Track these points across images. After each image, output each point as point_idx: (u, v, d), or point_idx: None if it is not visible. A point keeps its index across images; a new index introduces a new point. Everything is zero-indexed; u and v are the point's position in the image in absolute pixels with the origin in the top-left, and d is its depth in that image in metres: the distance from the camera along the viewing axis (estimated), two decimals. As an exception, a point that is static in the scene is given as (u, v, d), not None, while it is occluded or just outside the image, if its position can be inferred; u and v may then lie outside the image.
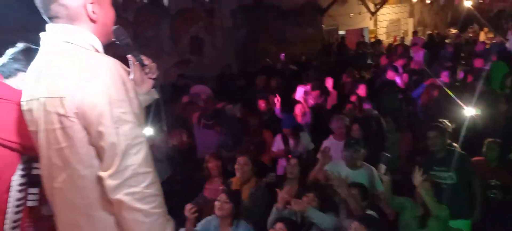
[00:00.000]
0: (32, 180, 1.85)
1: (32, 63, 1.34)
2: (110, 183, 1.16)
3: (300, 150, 4.25)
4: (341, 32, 12.77)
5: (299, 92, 5.95)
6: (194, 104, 5.58)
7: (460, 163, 3.21)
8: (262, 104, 5.32)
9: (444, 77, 6.23)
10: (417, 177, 2.74)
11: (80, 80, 1.16)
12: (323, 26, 11.70)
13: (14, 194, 1.79)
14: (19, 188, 1.79)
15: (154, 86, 1.53)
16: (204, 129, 4.85)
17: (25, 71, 1.71)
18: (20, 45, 1.80)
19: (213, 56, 9.21)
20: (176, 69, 7.88)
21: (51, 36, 1.28)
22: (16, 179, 1.78)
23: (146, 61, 1.46)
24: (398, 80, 6.37)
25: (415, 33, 12.87)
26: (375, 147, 3.87)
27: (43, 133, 1.25)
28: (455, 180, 3.18)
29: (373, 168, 3.26)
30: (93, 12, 1.26)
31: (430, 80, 5.83)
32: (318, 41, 11.06)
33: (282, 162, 4.28)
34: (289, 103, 5.34)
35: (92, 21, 1.27)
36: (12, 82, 1.75)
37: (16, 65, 1.73)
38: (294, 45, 10.21)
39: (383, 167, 2.85)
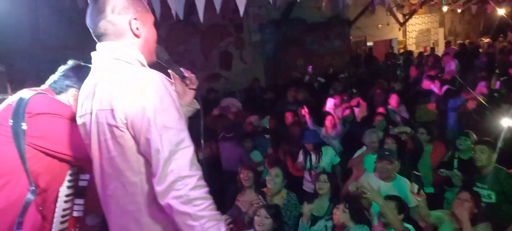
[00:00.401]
0: (78, 191, 1.96)
1: (86, 80, 1.43)
2: (158, 188, 1.22)
3: (323, 164, 4.21)
4: (369, 44, 12.66)
5: (329, 104, 5.95)
6: (224, 117, 5.68)
7: (504, 183, 3.07)
8: (289, 117, 5.35)
9: (482, 88, 6.05)
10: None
11: (128, 92, 1.25)
12: (351, 38, 11.65)
13: (61, 204, 1.89)
14: (66, 198, 1.89)
15: (195, 97, 1.61)
16: (224, 142, 4.96)
17: (75, 87, 1.83)
18: (70, 63, 1.92)
19: (242, 70, 9.35)
20: (206, 83, 8.05)
21: (101, 54, 1.37)
22: (63, 190, 1.88)
23: (186, 73, 1.55)
24: (435, 89, 6.24)
25: (448, 43, 12.60)
26: (409, 160, 3.80)
27: (96, 143, 1.34)
28: (494, 200, 3.07)
29: (407, 181, 3.20)
30: (137, 28, 1.36)
31: (467, 92, 5.67)
32: (346, 53, 11.01)
33: (307, 176, 4.29)
34: (318, 115, 5.35)
35: (136, 36, 1.37)
36: (63, 97, 1.86)
37: (67, 82, 1.84)
38: (322, 57, 10.21)
39: (415, 187, 2.79)
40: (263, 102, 7.13)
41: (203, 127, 1.73)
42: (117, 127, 1.26)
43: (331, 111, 5.56)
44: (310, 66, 8.73)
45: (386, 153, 3.35)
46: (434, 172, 3.85)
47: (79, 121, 1.43)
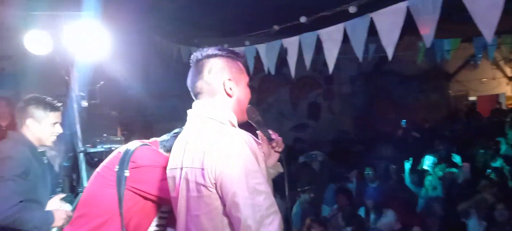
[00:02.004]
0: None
1: (179, 136, 1.53)
2: None
3: (381, 228, 3.90)
4: (472, 98, 11.68)
5: (428, 162, 5.59)
6: (309, 167, 5.67)
7: None
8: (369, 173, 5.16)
9: None
10: None
11: (219, 153, 1.28)
12: (450, 92, 10.90)
13: None
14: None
15: (279, 160, 1.64)
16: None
17: None
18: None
19: (330, 121, 9.30)
20: (293, 132, 8.16)
21: (196, 111, 1.45)
22: (152, 229, 2.05)
23: (273, 135, 1.59)
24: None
25: None
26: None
27: (183, 199, 1.38)
28: None
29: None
30: (230, 88, 1.43)
31: None
32: (443, 108, 10.31)
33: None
34: (416, 172, 5.06)
35: (229, 95, 1.44)
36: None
37: None
38: (416, 111, 9.70)
39: None
40: (351, 155, 6.96)
41: (287, 177, 1.76)
42: (205, 186, 1.29)
43: (431, 171, 5.21)
44: (404, 121, 8.34)
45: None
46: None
47: (169, 174, 1.50)
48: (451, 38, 5.75)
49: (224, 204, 1.28)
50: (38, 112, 2.39)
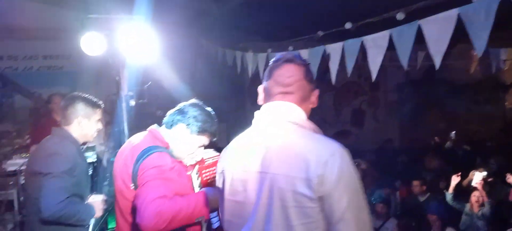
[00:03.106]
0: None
1: (244, 137, 1.47)
2: None
3: None
4: (530, 112, 10.88)
5: (477, 178, 5.29)
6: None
7: None
8: (417, 185, 4.95)
9: None
10: None
11: (331, 166, 1.21)
12: (506, 104, 10.24)
13: None
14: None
15: None
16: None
17: (183, 123, 2.01)
18: (190, 100, 2.14)
19: (374, 129, 9.06)
20: (336, 139, 8.03)
21: (273, 114, 1.38)
22: None
23: None
24: None
25: None
26: None
27: (264, 207, 1.29)
28: None
29: None
30: (315, 98, 1.44)
31: None
32: (497, 120, 9.70)
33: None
34: (460, 189, 4.81)
35: (312, 105, 1.43)
36: (172, 131, 2.05)
37: (178, 117, 2.03)
38: (468, 123, 9.21)
39: None
40: (395, 165, 6.74)
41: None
42: (308, 197, 1.21)
43: (479, 187, 4.92)
44: (454, 132, 7.94)
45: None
46: None
47: (229, 174, 1.42)
48: (507, 47, 5.42)
49: (326, 217, 1.22)
50: (87, 110, 2.53)
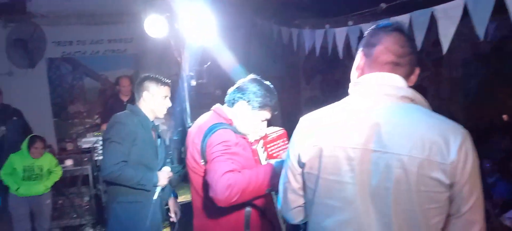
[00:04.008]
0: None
1: (340, 110, 1.32)
2: None
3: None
4: None
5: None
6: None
7: None
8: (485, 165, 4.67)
9: None
10: None
11: (466, 150, 1.13)
12: None
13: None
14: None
15: None
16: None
17: (244, 100, 2.05)
18: (249, 76, 2.18)
19: (437, 107, 8.48)
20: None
21: (384, 87, 1.25)
22: None
23: None
24: None
25: None
26: None
27: (377, 188, 1.18)
28: None
29: None
30: (415, 77, 1.31)
31: None
32: None
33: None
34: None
35: (410, 83, 1.31)
36: (234, 109, 2.10)
37: (239, 94, 2.08)
38: (542, 100, 8.45)
39: None
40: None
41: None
42: (439, 181, 1.12)
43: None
44: (526, 109, 7.34)
45: None
46: None
47: (327, 153, 1.27)
48: None
49: (451, 203, 1.15)
50: (152, 87, 2.70)
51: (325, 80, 8.36)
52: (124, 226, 2.64)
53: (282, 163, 1.95)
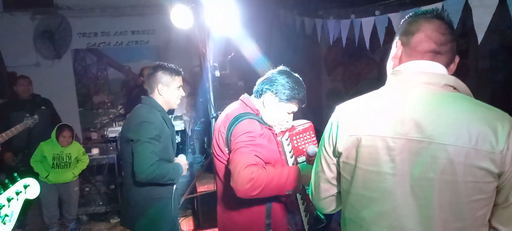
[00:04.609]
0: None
1: (379, 99, 1.29)
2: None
3: None
4: None
5: None
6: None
7: None
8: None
9: None
10: None
11: (505, 138, 1.10)
12: None
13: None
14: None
15: None
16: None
17: (271, 91, 2.05)
18: (278, 68, 2.17)
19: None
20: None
21: (426, 75, 1.22)
22: None
23: None
24: None
25: None
26: None
27: (419, 179, 1.15)
28: None
29: None
30: (455, 66, 1.28)
31: None
32: None
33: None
34: None
35: (450, 71, 1.27)
36: (261, 100, 2.10)
37: (266, 86, 2.09)
38: None
39: None
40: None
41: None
42: (488, 171, 1.10)
43: None
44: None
45: None
46: None
47: (367, 143, 1.24)
48: None
49: (496, 193, 1.14)
50: (166, 77, 2.63)
51: (346, 72, 8.27)
52: (153, 223, 2.62)
53: (308, 167, 1.96)
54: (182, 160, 2.80)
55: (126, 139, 2.56)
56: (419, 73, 1.23)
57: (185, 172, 2.77)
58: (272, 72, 2.14)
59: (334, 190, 1.42)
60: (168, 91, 2.64)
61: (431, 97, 1.19)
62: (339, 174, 1.37)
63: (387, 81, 1.31)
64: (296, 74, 2.13)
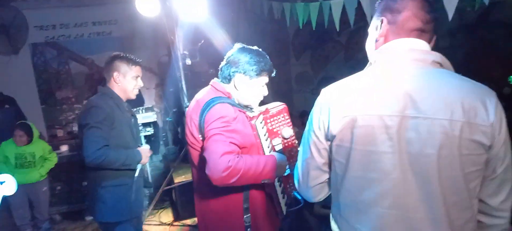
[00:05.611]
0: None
1: (368, 78, 1.27)
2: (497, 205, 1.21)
3: None
4: None
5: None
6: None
7: None
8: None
9: None
10: None
11: (500, 110, 1.14)
12: None
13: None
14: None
15: None
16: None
17: (240, 72, 1.99)
18: (235, 46, 2.11)
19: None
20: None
21: (413, 52, 1.23)
22: None
23: None
24: None
25: None
26: None
27: (419, 155, 1.15)
28: None
29: None
30: (433, 45, 1.30)
31: None
32: None
33: None
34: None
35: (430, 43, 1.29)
36: (231, 85, 2.06)
37: (232, 69, 2.02)
38: (528, 67, 8.63)
39: None
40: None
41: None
42: (481, 144, 1.13)
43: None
44: (512, 77, 7.50)
45: None
46: None
47: (362, 121, 1.21)
48: None
49: (487, 165, 1.17)
50: (123, 66, 2.62)
51: (314, 55, 8.36)
52: (112, 209, 2.60)
53: (283, 158, 1.95)
54: (144, 148, 2.75)
55: (79, 125, 2.54)
56: (410, 50, 1.24)
57: (146, 160, 2.72)
58: (231, 53, 2.09)
59: (324, 177, 1.39)
60: (123, 80, 2.63)
61: (423, 74, 1.19)
62: (329, 160, 1.34)
63: (373, 61, 1.30)
64: (254, 47, 2.11)
